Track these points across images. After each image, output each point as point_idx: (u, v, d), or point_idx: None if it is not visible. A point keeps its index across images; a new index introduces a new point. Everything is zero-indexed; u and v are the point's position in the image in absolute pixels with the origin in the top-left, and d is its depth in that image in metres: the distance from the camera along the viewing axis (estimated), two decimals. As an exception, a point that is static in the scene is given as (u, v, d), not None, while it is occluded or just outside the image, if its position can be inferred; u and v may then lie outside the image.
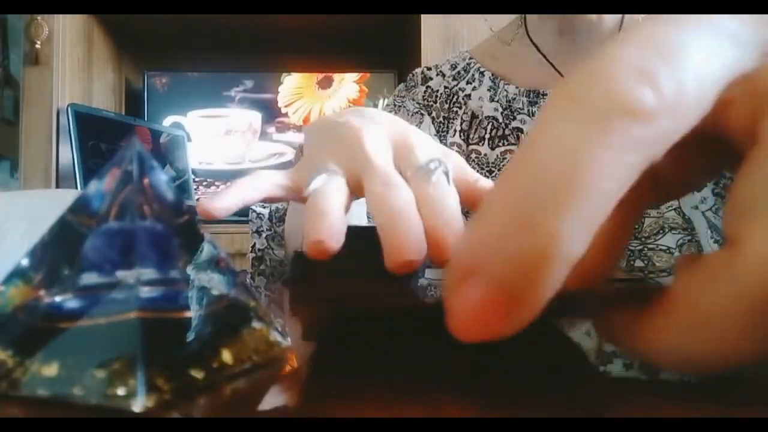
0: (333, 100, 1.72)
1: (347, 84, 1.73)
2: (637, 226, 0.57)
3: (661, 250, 0.56)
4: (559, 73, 0.64)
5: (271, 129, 1.72)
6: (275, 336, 0.19)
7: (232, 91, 1.72)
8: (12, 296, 0.16)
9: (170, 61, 1.83)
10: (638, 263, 0.57)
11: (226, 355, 0.17)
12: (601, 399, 0.15)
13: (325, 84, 1.73)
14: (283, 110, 1.72)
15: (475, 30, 1.45)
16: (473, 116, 0.67)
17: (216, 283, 0.18)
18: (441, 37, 1.45)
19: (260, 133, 1.72)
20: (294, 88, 1.73)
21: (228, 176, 1.70)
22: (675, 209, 0.56)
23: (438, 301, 0.14)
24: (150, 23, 1.62)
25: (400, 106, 0.70)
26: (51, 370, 0.15)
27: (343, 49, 1.81)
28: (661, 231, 0.56)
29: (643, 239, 0.57)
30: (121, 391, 0.14)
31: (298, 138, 1.73)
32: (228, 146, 1.71)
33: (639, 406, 0.14)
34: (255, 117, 1.72)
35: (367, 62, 1.80)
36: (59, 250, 0.17)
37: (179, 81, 1.71)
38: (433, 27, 1.44)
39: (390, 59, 1.80)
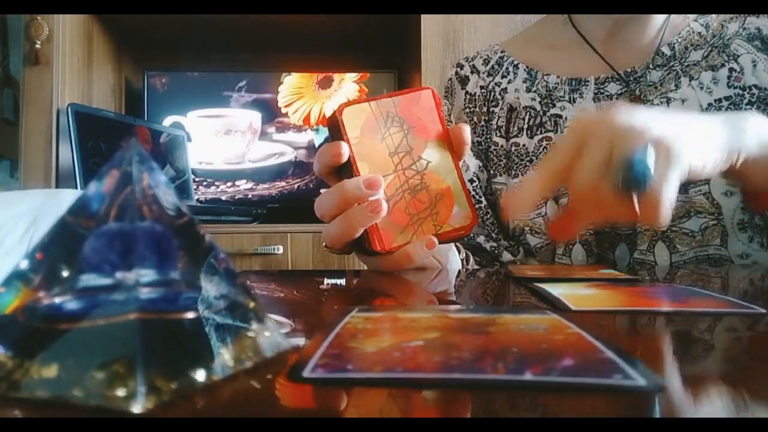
0: (333, 100, 1.72)
1: (347, 84, 1.73)
2: None
3: (684, 233, 0.57)
4: (607, 62, 0.65)
5: (271, 129, 1.73)
6: (275, 336, 0.19)
7: (232, 91, 1.72)
8: (12, 298, 0.16)
9: (170, 61, 1.83)
10: (660, 245, 0.57)
11: (226, 355, 0.17)
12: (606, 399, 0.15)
13: (325, 84, 1.73)
14: (283, 110, 1.72)
15: (475, 30, 1.45)
16: (510, 109, 0.68)
17: (216, 283, 0.18)
18: (441, 37, 1.45)
19: (260, 133, 1.72)
20: (294, 88, 1.73)
21: (228, 176, 1.70)
22: (704, 194, 0.56)
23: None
24: (150, 23, 1.63)
25: None
26: (51, 371, 0.15)
27: (343, 49, 1.81)
28: (686, 215, 0.57)
29: None
30: (120, 393, 0.14)
31: (298, 138, 1.73)
32: (228, 146, 1.71)
33: (639, 405, 0.14)
34: (255, 117, 1.72)
35: (367, 62, 1.80)
36: (59, 251, 0.17)
37: (179, 81, 1.71)
38: (433, 27, 1.44)
39: (390, 59, 1.80)
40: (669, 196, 0.37)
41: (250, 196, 1.69)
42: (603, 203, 0.38)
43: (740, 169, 0.43)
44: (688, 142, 0.39)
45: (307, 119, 1.73)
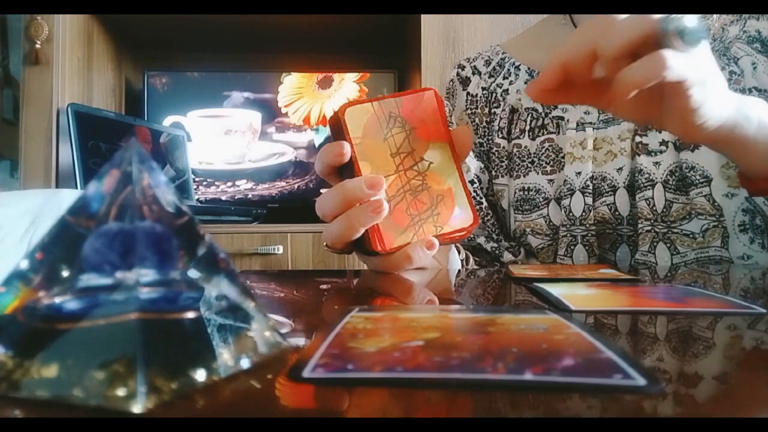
0: (333, 100, 1.72)
1: (347, 84, 1.73)
2: (664, 210, 0.58)
3: (684, 235, 0.57)
4: None
5: (271, 129, 1.73)
6: (275, 336, 0.19)
7: (232, 91, 1.72)
8: (12, 298, 0.16)
9: (170, 61, 1.83)
10: (661, 247, 0.58)
11: (226, 355, 0.17)
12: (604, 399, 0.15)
13: (325, 84, 1.73)
14: (283, 110, 1.72)
15: (475, 30, 1.45)
16: (512, 110, 0.68)
17: (216, 283, 0.18)
18: (441, 37, 1.45)
19: (260, 133, 1.72)
20: (294, 88, 1.73)
21: (228, 176, 1.70)
22: (705, 196, 0.56)
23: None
24: (150, 23, 1.62)
25: None
26: (51, 371, 0.15)
27: (343, 49, 1.81)
28: (687, 216, 0.57)
29: (669, 223, 0.58)
30: (120, 392, 0.14)
31: (298, 138, 1.73)
32: (228, 146, 1.71)
33: (638, 405, 0.14)
34: (255, 117, 1.72)
35: (367, 62, 1.80)
36: (59, 251, 0.17)
37: (179, 81, 1.71)
38: (433, 27, 1.44)
39: (390, 59, 1.80)
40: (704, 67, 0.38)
41: (250, 196, 1.69)
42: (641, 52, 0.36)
43: (735, 140, 0.44)
44: (716, 73, 0.40)
45: (307, 119, 1.73)
